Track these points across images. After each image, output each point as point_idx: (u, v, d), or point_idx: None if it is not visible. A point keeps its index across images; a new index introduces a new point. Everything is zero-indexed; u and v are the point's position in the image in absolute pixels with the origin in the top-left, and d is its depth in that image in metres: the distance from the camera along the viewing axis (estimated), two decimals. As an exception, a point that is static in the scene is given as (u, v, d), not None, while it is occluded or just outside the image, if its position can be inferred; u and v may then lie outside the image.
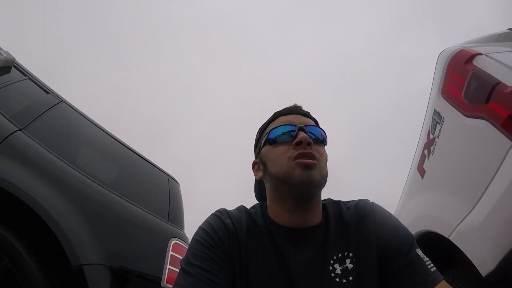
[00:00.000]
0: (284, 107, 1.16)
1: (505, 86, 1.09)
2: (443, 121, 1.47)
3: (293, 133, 1.02)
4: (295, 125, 1.04)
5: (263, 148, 1.08)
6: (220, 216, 1.03)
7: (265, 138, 1.08)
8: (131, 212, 2.21)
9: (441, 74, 1.49)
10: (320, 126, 1.12)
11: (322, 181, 0.98)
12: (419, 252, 0.98)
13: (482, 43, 1.45)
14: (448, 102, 1.42)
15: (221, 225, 1.00)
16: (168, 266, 2.10)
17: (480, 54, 1.28)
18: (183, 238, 2.37)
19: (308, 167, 0.95)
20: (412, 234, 1.05)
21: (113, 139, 2.81)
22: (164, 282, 2.04)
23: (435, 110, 1.56)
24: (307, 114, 1.14)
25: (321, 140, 1.06)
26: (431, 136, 1.60)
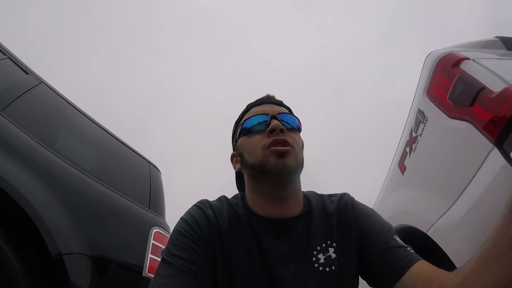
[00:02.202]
0: (258, 98, 1.18)
1: (490, 91, 1.13)
2: (426, 121, 1.51)
3: (267, 121, 1.04)
4: (267, 114, 1.06)
5: (239, 140, 1.10)
6: (202, 206, 1.05)
7: (239, 130, 1.10)
8: (111, 200, 2.18)
9: (428, 75, 1.52)
10: (294, 114, 1.15)
11: (297, 168, 1.01)
12: (397, 238, 1.03)
13: (470, 48, 1.49)
14: (433, 103, 1.45)
15: (203, 216, 1.01)
16: (150, 255, 2.10)
17: (468, 58, 1.31)
18: (164, 226, 2.37)
19: (282, 154, 0.97)
20: (390, 223, 1.09)
21: (94, 124, 2.76)
22: (145, 271, 2.04)
23: (419, 109, 1.59)
24: (280, 103, 1.16)
25: (295, 127, 1.08)
26: (414, 134, 1.64)
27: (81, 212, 1.97)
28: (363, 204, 1.14)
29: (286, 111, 1.13)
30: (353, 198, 1.15)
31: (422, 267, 0.93)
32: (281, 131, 1.00)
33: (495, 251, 0.72)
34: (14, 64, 2.42)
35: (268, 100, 1.16)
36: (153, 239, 2.18)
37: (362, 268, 1.04)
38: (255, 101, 1.18)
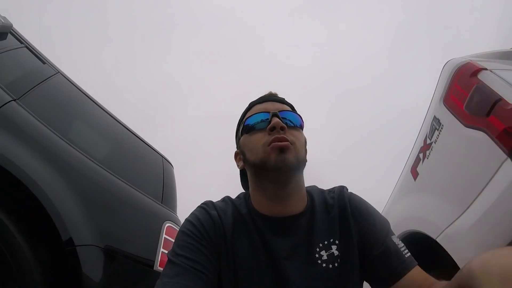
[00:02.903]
0: (260, 96, 1.18)
1: (507, 103, 1.14)
2: (441, 128, 1.52)
3: (268, 119, 1.04)
4: (269, 112, 1.06)
5: (241, 138, 1.10)
6: (206, 208, 1.06)
7: (241, 128, 1.10)
8: (125, 192, 2.17)
9: (445, 83, 1.52)
10: (296, 111, 1.15)
11: (298, 164, 0.99)
12: (395, 238, 1.04)
13: (487, 59, 1.50)
14: (449, 111, 1.46)
15: (207, 217, 1.02)
16: (162, 250, 2.08)
17: (486, 69, 1.32)
18: (176, 221, 2.35)
19: (282, 150, 0.96)
20: (387, 220, 1.10)
21: (109, 116, 2.75)
22: (157, 265, 2.03)
23: (435, 116, 1.60)
24: (282, 100, 1.16)
25: (297, 125, 1.08)
26: (428, 141, 1.64)
27: (94, 203, 1.95)
28: (361, 199, 1.13)
29: (288, 108, 1.13)
30: (350, 193, 1.14)
31: (415, 275, 0.96)
32: (282, 128, 1.00)
33: None
34: (31, 53, 2.42)
35: (270, 97, 1.16)
36: (165, 234, 2.16)
37: (361, 268, 1.03)
38: (257, 99, 1.18)
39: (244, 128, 1.09)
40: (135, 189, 2.23)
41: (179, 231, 1.02)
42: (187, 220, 1.03)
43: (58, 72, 2.48)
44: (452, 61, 1.53)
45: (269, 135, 1.00)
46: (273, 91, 1.20)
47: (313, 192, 1.13)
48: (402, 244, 1.04)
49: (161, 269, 1.99)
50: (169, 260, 0.94)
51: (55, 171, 1.85)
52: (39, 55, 2.46)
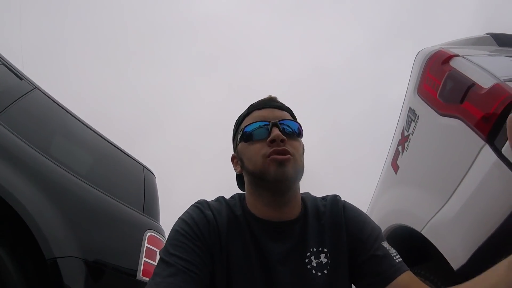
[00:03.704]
0: (259, 99, 1.16)
1: (480, 87, 1.13)
2: (417, 119, 1.51)
3: (267, 129, 1.03)
4: (268, 121, 1.04)
5: (239, 145, 1.09)
6: (200, 207, 1.04)
7: (240, 135, 1.09)
8: (105, 204, 2.17)
9: (418, 73, 1.51)
10: (296, 118, 1.14)
11: (297, 175, 1.00)
12: (386, 244, 1.02)
13: (460, 45, 1.49)
14: (424, 101, 1.45)
15: (202, 216, 1.00)
16: (144, 259, 2.08)
17: (458, 55, 1.31)
18: (158, 230, 2.36)
19: (282, 163, 0.96)
20: (379, 227, 1.09)
21: (88, 128, 2.74)
22: (139, 274, 2.02)
23: (410, 108, 1.59)
24: (281, 107, 1.14)
25: (296, 134, 1.07)
26: (406, 133, 1.63)
27: (75, 216, 1.96)
28: (354, 207, 1.14)
29: (288, 116, 1.12)
30: (344, 201, 1.14)
31: (405, 280, 0.94)
32: (282, 141, 0.99)
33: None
34: (8, 70, 2.40)
35: (270, 103, 1.14)
36: (147, 243, 2.17)
37: (351, 273, 1.04)
38: (256, 104, 1.16)
39: (243, 136, 1.07)
40: (115, 200, 2.24)
41: (172, 229, 1.00)
42: (181, 219, 1.02)
43: (36, 87, 2.46)
44: (423, 50, 1.52)
45: (268, 146, 1.00)
46: (273, 95, 1.18)
47: (306, 199, 1.13)
48: (394, 251, 1.02)
49: (144, 278, 2.01)
50: (161, 259, 0.92)
51: (34, 186, 1.85)
52: (16, 72, 2.44)
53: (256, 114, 1.11)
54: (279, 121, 1.05)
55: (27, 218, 1.69)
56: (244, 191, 1.15)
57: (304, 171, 1.05)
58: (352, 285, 1.06)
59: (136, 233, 2.20)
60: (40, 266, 1.69)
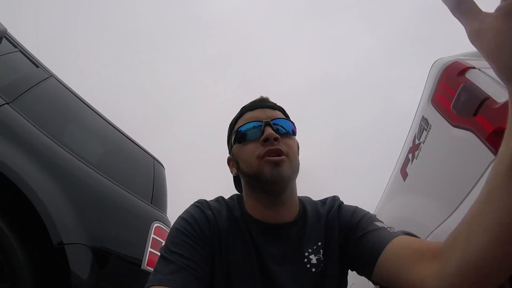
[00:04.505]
0: (251, 101, 1.16)
1: (494, 102, 1.12)
2: (430, 128, 1.50)
3: (260, 129, 1.03)
4: (261, 121, 1.05)
5: (234, 146, 1.10)
6: (201, 206, 1.05)
7: (234, 136, 1.10)
8: (115, 193, 2.20)
9: (433, 83, 1.51)
10: (289, 117, 1.15)
11: (292, 175, 1.01)
12: (379, 223, 1.01)
13: (476, 57, 1.48)
14: (437, 111, 1.45)
15: (202, 216, 1.02)
16: (149, 249, 2.12)
17: (474, 68, 1.30)
18: (165, 221, 2.39)
19: (277, 164, 0.97)
20: (374, 214, 1.08)
21: (101, 118, 2.77)
22: (144, 264, 2.06)
23: (423, 116, 1.59)
24: (274, 106, 1.14)
25: (290, 132, 1.07)
26: (417, 142, 1.63)
27: (84, 203, 1.99)
28: (350, 206, 1.13)
29: (280, 115, 1.12)
30: (341, 202, 1.14)
31: (401, 241, 0.88)
32: (275, 139, 1.00)
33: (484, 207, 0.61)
34: (24, 57, 2.45)
35: (262, 104, 1.14)
36: (154, 233, 2.20)
37: (349, 260, 1.03)
38: (248, 105, 1.16)
39: (237, 137, 1.08)
40: (124, 190, 2.27)
41: (172, 228, 1.01)
42: (181, 217, 1.03)
43: (51, 75, 2.50)
44: (439, 60, 1.51)
45: (262, 146, 1.00)
46: (264, 96, 1.18)
47: (306, 202, 1.14)
48: (389, 226, 0.99)
49: (149, 268, 2.04)
50: (162, 257, 0.93)
51: (46, 173, 1.88)
52: (32, 59, 2.48)
53: (249, 115, 1.11)
54: (271, 120, 1.06)
55: (36, 204, 1.72)
56: (241, 192, 1.16)
57: (299, 169, 1.06)
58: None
59: (143, 223, 2.23)
60: (47, 252, 1.72)
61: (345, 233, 1.03)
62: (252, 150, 1.02)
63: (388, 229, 0.96)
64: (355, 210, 1.08)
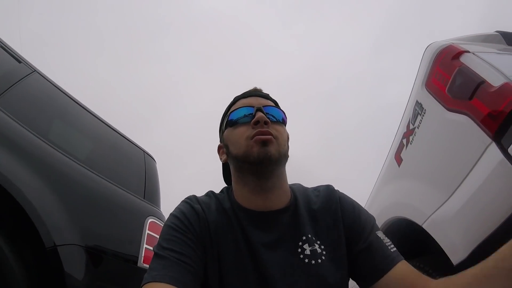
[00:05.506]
0: (245, 91, 1.19)
1: (490, 85, 1.12)
2: (424, 113, 1.50)
3: (252, 114, 1.05)
4: (253, 106, 1.07)
5: (225, 131, 1.11)
6: (190, 202, 1.07)
7: (226, 121, 1.11)
8: (106, 190, 2.15)
9: (427, 67, 1.50)
10: (280, 107, 1.16)
11: (280, 158, 1.01)
12: (380, 234, 1.04)
13: (469, 42, 1.48)
14: (431, 95, 1.44)
15: (191, 210, 1.03)
16: (145, 245, 2.08)
17: (468, 52, 1.30)
18: (159, 216, 2.35)
19: (264, 143, 0.98)
20: (373, 217, 1.10)
21: (88, 113, 2.70)
22: (141, 261, 2.03)
23: (417, 101, 1.58)
24: (266, 96, 1.17)
25: (280, 120, 1.09)
26: (411, 127, 1.63)
27: (75, 202, 1.93)
28: (349, 198, 1.15)
29: (272, 104, 1.14)
30: (338, 192, 1.15)
31: (402, 269, 0.96)
32: (265, 123, 1.02)
33: (496, 273, 0.73)
34: (6, 53, 2.34)
35: (255, 93, 1.18)
36: (148, 229, 2.17)
37: (349, 262, 1.04)
38: (242, 94, 1.19)
39: (228, 122, 1.10)
40: (116, 185, 2.22)
41: (164, 225, 1.02)
42: (172, 214, 1.04)
43: (35, 70, 2.41)
44: (433, 44, 1.50)
45: (252, 128, 1.02)
46: (258, 87, 1.21)
47: (296, 189, 1.14)
48: (388, 240, 1.04)
49: (145, 265, 2.01)
50: (156, 254, 0.94)
51: (34, 172, 1.82)
52: (14, 54, 2.38)
53: (241, 101, 1.14)
54: (263, 106, 1.08)
55: (26, 205, 1.66)
56: (228, 182, 1.19)
57: (288, 158, 1.07)
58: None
59: (137, 219, 2.20)
60: (39, 254, 1.67)
61: (349, 233, 1.05)
62: (242, 132, 1.04)
63: (389, 246, 1.02)
64: (358, 212, 1.09)
